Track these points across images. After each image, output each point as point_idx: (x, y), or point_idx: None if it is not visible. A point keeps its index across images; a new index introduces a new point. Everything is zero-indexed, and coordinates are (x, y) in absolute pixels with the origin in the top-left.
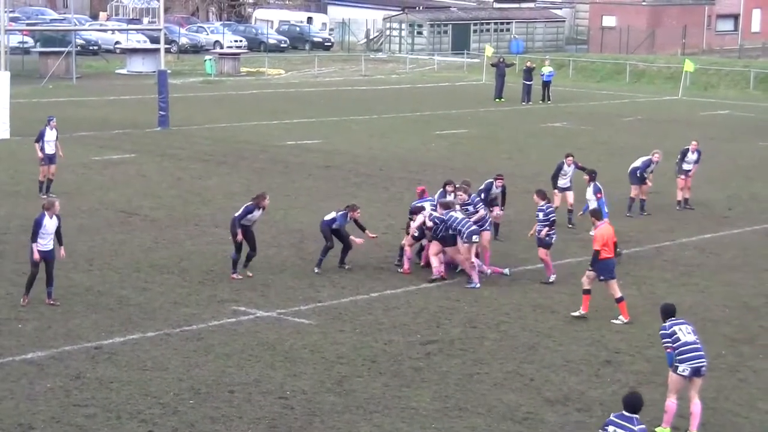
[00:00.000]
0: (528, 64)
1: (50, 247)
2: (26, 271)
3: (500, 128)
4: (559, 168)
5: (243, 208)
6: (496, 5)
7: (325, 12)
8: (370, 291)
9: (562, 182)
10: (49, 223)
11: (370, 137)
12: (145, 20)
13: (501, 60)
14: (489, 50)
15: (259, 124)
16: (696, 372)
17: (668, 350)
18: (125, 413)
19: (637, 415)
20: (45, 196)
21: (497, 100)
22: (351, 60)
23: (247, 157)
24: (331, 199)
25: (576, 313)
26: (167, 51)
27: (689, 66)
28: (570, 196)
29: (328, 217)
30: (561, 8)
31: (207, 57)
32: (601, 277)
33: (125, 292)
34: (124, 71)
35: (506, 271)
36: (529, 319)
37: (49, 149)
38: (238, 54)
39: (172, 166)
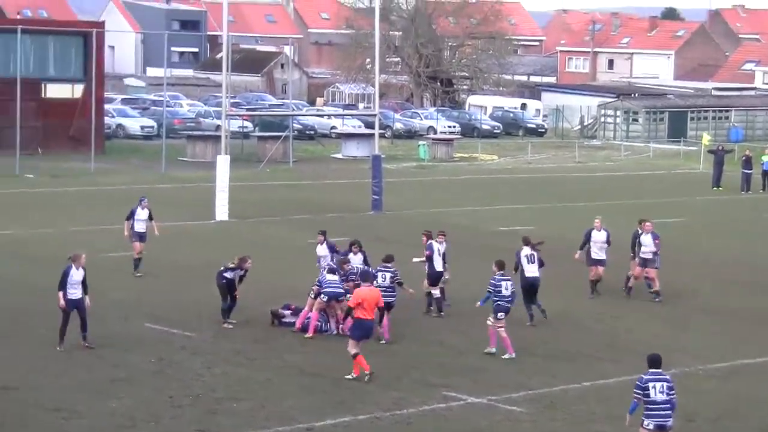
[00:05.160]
0: (747, 152)
1: (79, 296)
2: (239, 350)
3: (718, 217)
4: (635, 236)
5: (226, 266)
6: (715, 92)
7: (539, 98)
8: (583, 380)
9: (644, 251)
10: (76, 274)
11: (582, 224)
12: (361, 106)
13: (720, 148)
14: (706, 138)
15: (471, 210)
16: (660, 428)
17: (635, 400)
18: None
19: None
20: (138, 275)
21: (715, 188)
22: (564, 146)
23: (457, 242)
24: (543, 286)
25: (349, 377)
26: (382, 136)
27: None
28: (651, 272)
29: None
30: None
31: (421, 142)
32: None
33: (337, 374)
34: (339, 155)
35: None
36: (750, 417)
37: (140, 228)
38: (452, 139)
39: (385, 249)
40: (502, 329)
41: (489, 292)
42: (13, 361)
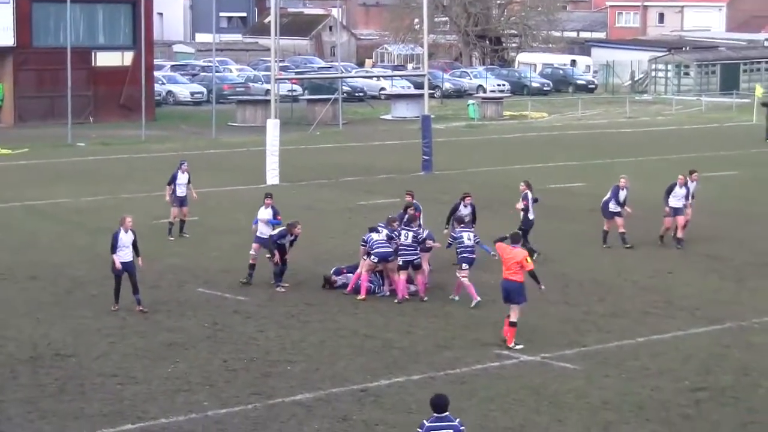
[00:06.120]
0: None
1: (129, 258)
2: (292, 314)
3: None
4: (671, 188)
5: (278, 231)
6: None
7: (589, 54)
8: (637, 336)
9: (674, 202)
10: (125, 237)
11: (634, 180)
12: (410, 66)
13: None
14: (759, 90)
15: (521, 168)
16: None
17: None
18: None
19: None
20: (181, 235)
21: None
22: (615, 102)
23: (507, 202)
24: (596, 244)
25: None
26: (431, 96)
27: None
28: (680, 219)
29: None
30: None
31: (470, 101)
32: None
33: (390, 335)
34: (388, 117)
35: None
36: None
37: (181, 192)
38: (501, 98)
39: (435, 211)
40: (465, 278)
41: (449, 243)
42: (69, 328)
